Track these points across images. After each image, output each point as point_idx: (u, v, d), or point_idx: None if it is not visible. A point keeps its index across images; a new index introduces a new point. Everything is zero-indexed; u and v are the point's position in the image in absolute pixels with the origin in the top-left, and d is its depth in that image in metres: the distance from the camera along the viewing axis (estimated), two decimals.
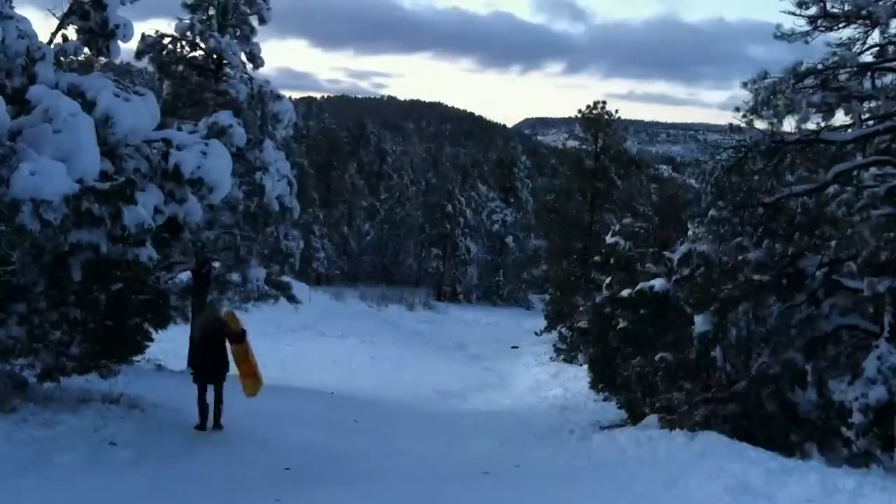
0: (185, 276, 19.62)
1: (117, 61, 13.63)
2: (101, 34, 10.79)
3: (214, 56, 18.60)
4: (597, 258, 18.91)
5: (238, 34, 19.20)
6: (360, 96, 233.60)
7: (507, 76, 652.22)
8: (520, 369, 28.97)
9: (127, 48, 11.68)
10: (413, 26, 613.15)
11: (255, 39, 19.44)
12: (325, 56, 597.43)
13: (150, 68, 18.90)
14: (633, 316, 13.85)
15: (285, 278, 20.35)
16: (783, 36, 10.82)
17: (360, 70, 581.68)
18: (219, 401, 10.74)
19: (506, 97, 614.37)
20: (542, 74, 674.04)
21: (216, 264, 19.19)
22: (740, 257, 11.43)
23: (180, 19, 18.49)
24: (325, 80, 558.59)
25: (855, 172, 11.02)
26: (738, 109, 11.00)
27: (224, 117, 16.20)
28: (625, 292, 14.22)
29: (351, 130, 72.10)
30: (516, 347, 35.50)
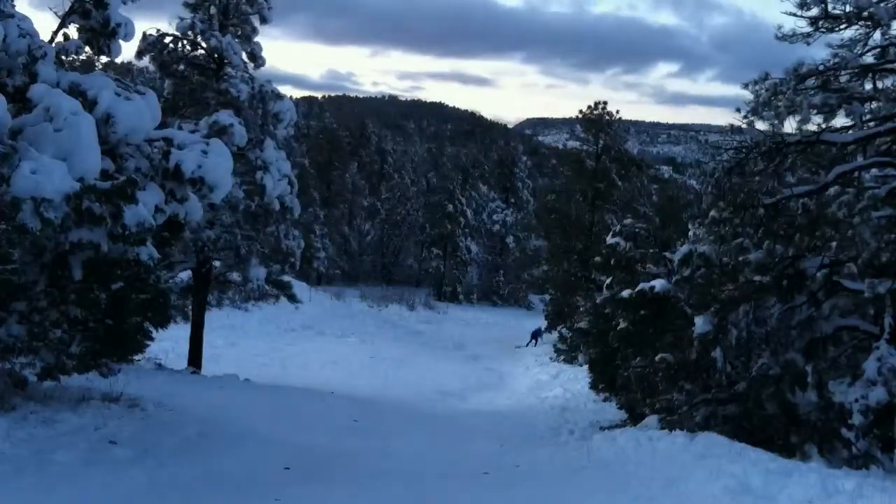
0: (185, 275, 19.64)
1: (118, 60, 13.63)
2: (102, 33, 10.80)
3: (216, 55, 18.60)
4: (597, 259, 18.95)
5: (239, 33, 19.21)
6: (361, 96, 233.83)
7: (590, 77, 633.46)
8: (520, 370, 28.98)
9: (128, 47, 11.71)
10: (511, 27, 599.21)
11: (256, 39, 19.47)
12: (410, 59, 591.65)
13: (152, 67, 18.91)
14: (634, 316, 13.86)
15: (286, 278, 20.36)
16: (784, 37, 10.81)
17: (412, 72, 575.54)
18: None
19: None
20: (638, 77, 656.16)
21: (217, 263, 19.21)
22: (741, 258, 11.44)
23: (181, 18, 18.50)
24: (370, 83, 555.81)
25: (856, 174, 11.01)
26: (738, 110, 11.01)
27: (225, 116, 16.25)
28: (625, 293, 14.22)
29: (352, 130, 72.08)
30: (520, 347, 35.50)
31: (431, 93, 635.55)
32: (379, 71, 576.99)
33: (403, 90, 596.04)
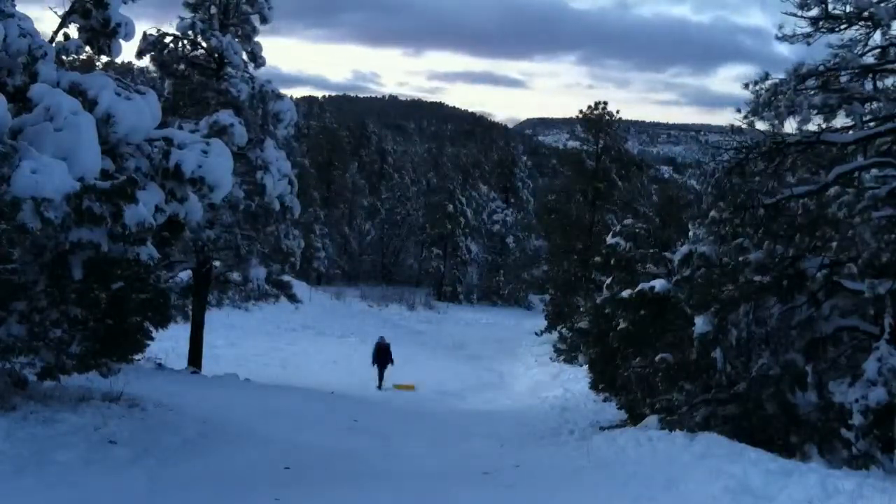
0: (185, 274, 19.64)
1: (119, 60, 13.64)
2: (102, 33, 10.81)
3: (216, 55, 18.61)
4: (597, 259, 18.94)
5: (240, 33, 19.21)
6: (361, 95, 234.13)
7: (638, 77, 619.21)
8: (520, 370, 28.97)
9: (128, 47, 11.71)
10: (580, 28, 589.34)
11: (256, 38, 19.48)
12: (450, 60, 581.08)
13: (152, 67, 18.92)
14: (634, 316, 13.84)
15: (286, 277, 20.38)
16: (785, 37, 10.81)
17: (442, 73, 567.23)
18: None
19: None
20: (702, 78, 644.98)
21: (217, 263, 19.21)
22: (741, 258, 11.42)
23: (182, 18, 18.51)
24: (395, 84, 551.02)
25: (856, 174, 11.01)
26: (739, 111, 11.00)
27: (225, 116, 16.27)
28: (625, 293, 14.20)
29: (352, 130, 72.11)
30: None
31: (455, 95, 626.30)
32: (408, 72, 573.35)
33: (426, 91, 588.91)
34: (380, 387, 22.30)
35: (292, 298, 20.34)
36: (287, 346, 28.62)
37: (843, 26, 10.62)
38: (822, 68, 10.64)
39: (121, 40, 10.98)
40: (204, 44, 18.61)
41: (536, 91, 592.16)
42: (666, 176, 51.42)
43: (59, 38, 10.82)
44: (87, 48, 11.08)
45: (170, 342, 18.50)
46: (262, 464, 9.44)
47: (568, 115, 69.64)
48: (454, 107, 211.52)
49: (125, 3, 11.09)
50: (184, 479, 8.19)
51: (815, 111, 10.71)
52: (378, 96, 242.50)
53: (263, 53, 19.58)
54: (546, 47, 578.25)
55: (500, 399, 22.64)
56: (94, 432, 8.89)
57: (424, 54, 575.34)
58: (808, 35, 10.71)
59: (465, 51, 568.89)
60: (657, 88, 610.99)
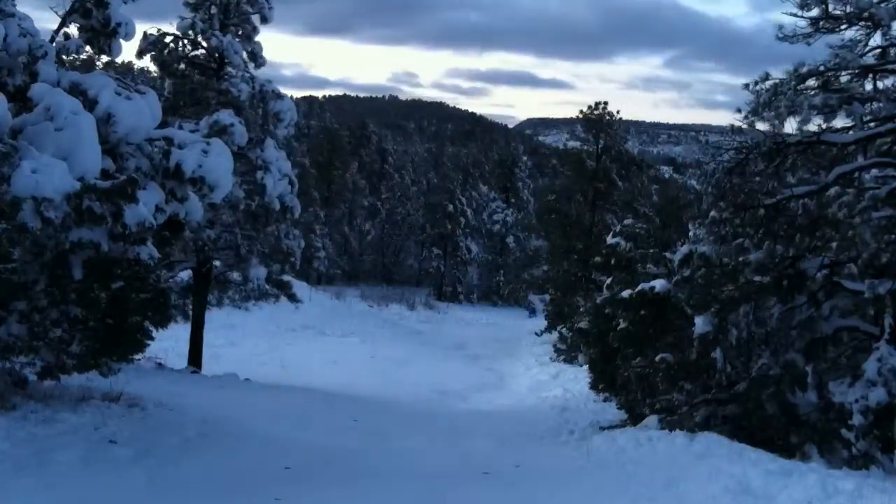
0: (185, 274, 19.65)
1: (119, 60, 13.64)
2: (102, 32, 10.81)
3: (216, 55, 18.61)
4: (597, 259, 18.97)
5: (240, 33, 19.22)
6: (363, 95, 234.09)
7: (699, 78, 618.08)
8: (520, 370, 28.95)
9: (129, 47, 11.72)
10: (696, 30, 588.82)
11: (257, 38, 19.49)
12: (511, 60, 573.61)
13: (152, 67, 18.95)
14: (634, 316, 13.84)
15: (286, 277, 20.37)
16: (785, 37, 10.81)
17: (483, 73, 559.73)
18: None
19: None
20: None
21: (217, 263, 19.21)
22: (741, 258, 11.43)
23: (182, 18, 18.52)
24: (431, 85, 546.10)
25: (856, 174, 11.01)
26: (739, 111, 11.00)
27: (225, 116, 16.26)
28: (625, 293, 14.20)
29: (352, 130, 72.14)
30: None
31: (494, 97, 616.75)
32: (447, 73, 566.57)
33: (462, 93, 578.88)
34: None
35: (292, 298, 20.34)
36: (287, 346, 28.60)
37: (843, 26, 10.62)
38: (822, 68, 10.64)
39: (121, 40, 10.98)
40: (204, 43, 18.61)
41: (580, 93, 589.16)
42: (666, 176, 51.27)
43: (60, 37, 10.82)
44: (88, 48, 11.08)
45: (170, 342, 18.50)
46: (263, 464, 9.44)
47: (568, 116, 69.60)
48: (455, 106, 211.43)
49: (125, 2, 11.09)
50: (184, 479, 8.18)
51: (815, 111, 10.71)
52: (379, 96, 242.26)
53: (265, 53, 19.61)
54: (636, 47, 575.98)
55: (500, 399, 22.63)
56: (94, 432, 8.89)
57: (480, 55, 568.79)
58: (808, 35, 10.71)
59: (531, 52, 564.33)
60: (714, 91, 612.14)
